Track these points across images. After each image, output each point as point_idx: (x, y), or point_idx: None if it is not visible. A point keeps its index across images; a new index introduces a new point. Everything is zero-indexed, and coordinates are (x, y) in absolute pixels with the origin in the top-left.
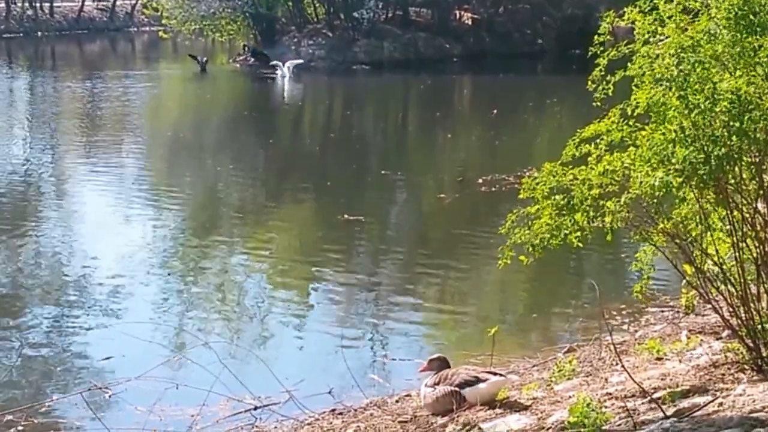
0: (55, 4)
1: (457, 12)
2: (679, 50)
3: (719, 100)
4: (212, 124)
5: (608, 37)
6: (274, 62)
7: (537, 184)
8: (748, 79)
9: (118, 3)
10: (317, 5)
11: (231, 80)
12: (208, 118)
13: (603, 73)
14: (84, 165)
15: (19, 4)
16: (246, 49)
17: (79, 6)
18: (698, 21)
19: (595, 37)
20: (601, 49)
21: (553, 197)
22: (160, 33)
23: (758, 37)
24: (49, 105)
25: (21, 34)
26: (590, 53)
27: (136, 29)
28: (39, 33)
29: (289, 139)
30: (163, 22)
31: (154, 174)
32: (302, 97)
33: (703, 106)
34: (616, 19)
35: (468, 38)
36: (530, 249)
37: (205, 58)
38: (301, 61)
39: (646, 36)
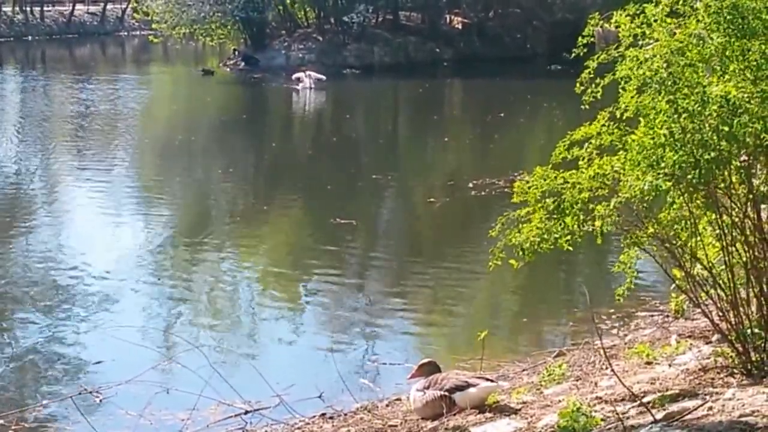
0: (45, 9)
1: (448, 16)
2: (668, 53)
3: (708, 104)
4: (208, 127)
5: (593, 39)
6: (298, 75)
7: (529, 187)
8: (737, 83)
9: (108, 7)
10: (307, 9)
11: (222, 84)
12: (206, 121)
13: (592, 75)
14: (78, 168)
15: (9, 9)
16: (236, 53)
17: (69, 10)
18: (686, 25)
19: (579, 38)
20: (586, 51)
21: (544, 200)
22: (150, 37)
23: (747, 40)
24: (40, 108)
25: (11, 39)
26: (574, 54)
27: (126, 33)
28: (29, 37)
29: (290, 143)
30: (153, 26)
31: (147, 177)
32: (318, 107)
33: (692, 110)
34: (607, 23)
35: (458, 42)
36: (521, 253)
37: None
38: (323, 77)
39: (631, 39)
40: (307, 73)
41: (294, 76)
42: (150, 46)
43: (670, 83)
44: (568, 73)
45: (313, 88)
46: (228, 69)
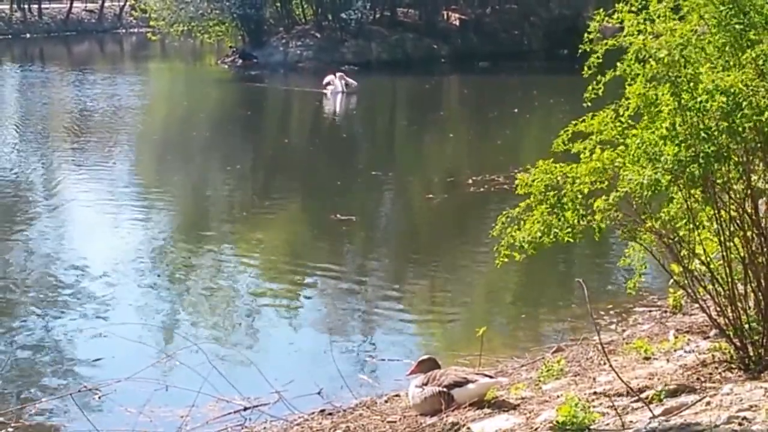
0: (43, 6)
1: (445, 12)
2: (672, 47)
3: (714, 95)
4: (206, 125)
5: (597, 34)
6: (328, 78)
7: (533, 181)
8: (742, 76)
9: (106, 4)
10: (305, 6)
11: (220, 81)
12: (205, 118)
13: (600, 62)
14: (80, 164)
15: (7, 6)
16: (233, 50)
17: (67, 8)
18: (688, 19)
19: (585, 34)
20: (591, 46)
21: (546, 194)
22: (148, 34)
23: (753, 33)
24: (39, 104)
25: (9, 36)
26: (580, 51)
27: (124, 31)
28: (27, 35)
29: (297, 140)
30: (151, 24)
31: (146, 174)
32: (347, 111)
33: (701, 99)
34: (606, 19)
35: (456, 39)
36: (525, 246)
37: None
38: (355, 83)
39: (636, 35)
40: (338, 75)
41: (324, 81)
42: (148, 43)
43: (674, 75)
44: (578, 70)
45: (344, 92)
46: (226, 66)
